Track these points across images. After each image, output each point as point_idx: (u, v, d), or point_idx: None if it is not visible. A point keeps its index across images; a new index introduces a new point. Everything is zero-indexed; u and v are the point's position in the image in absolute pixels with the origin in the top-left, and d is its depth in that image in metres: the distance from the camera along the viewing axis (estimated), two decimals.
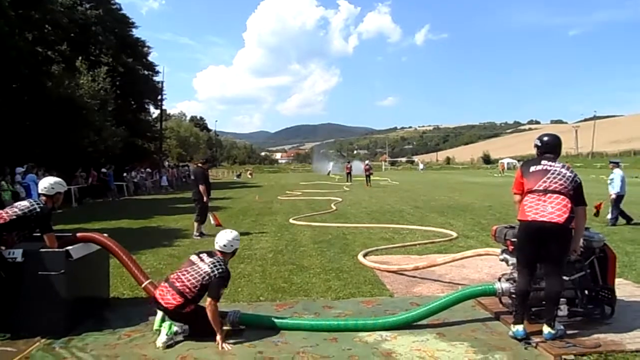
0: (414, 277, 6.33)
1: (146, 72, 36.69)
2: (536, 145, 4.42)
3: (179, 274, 4.25)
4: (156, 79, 38.40)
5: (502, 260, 4.86)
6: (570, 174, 4.10)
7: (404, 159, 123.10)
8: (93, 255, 4.90)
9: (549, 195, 3.99)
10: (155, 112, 42.69)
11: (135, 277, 4.95)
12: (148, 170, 31.27)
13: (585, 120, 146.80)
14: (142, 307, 5.10)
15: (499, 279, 4.67)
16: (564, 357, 3.65)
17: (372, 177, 32.86)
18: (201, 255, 4.40)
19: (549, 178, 4.06)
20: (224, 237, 4.47)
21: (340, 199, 19.67)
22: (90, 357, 3.85)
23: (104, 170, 23.85)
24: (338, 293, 5.70)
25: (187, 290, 4.13)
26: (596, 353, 3.71)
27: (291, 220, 12.44)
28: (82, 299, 4.64)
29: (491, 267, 6.53)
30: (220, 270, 4.21)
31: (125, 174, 26.74)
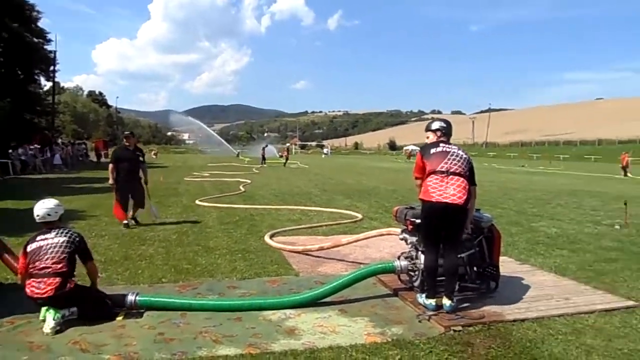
0: (320, 257, 6.46)
1: (35, 40, 33.22)
2: (434, 130, 4.67)
3: (38, 264, 3.99)
4: (48, 48, 35.03)
5: (402, 239, 5.11)
6: (465, 155, 4.42)
7: (314, 143, 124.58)
8: None
9: (450, 177, 4.25)
10: (47, 85, 39.24)
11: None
12: (37, 147, 28.65)
13: (482, 112, 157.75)
14: None
15: (399, 257, 4.91)
16: (453, 328, 3.93)
17: (281, 160, 34.52)
18: (40, 237, 4.15)
19: (449, 160, 4.32)
20: (46, 207, 4.29)
21: (249, 181, 19.50)
22: None
23: None
24: (243, 273, 5.67)
25: (58, 267, 3.96)
26: (481, 324, 4.04)
27: (197, 202, 12.12)
28: None
29: (392, 246, 6.84)
30: (74, 234, 4.23)
31: (10, 151, 24.35)
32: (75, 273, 4.15)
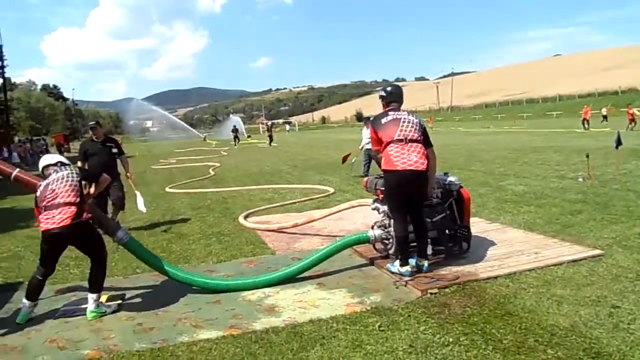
0: (295, 233, 6.47)
1: None
2: (381, 96, 4.66)
3: (50, 197, 3.89)
4: None
5: (373, 209, 5.16)
6: (416, 119, 4.45)
7: (281, 121, 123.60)
8: None
9: (409, 144, 4.27)
10: None
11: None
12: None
13: (445, 76, 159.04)
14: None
15: (372, 227, 4.96)
16: (429, 291, 4.02)
17: (250, 140, 33.75)
18: (43, 181, 4.12)
19: (403, 127, 4.33)
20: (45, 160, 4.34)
21: (218, 164, 19.30)
22: None
23: None
24: (219, 256, 5.65)
25: (71, 195, 3.90)
26: (456, 284, 4.14)
27: (167, 189, 11.95)
28: None
29: (365, 217, 6.89)
30: (70, 167, 4.22)
31: None
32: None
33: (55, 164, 4.21)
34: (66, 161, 4.34)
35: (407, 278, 4.29)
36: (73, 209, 3.83)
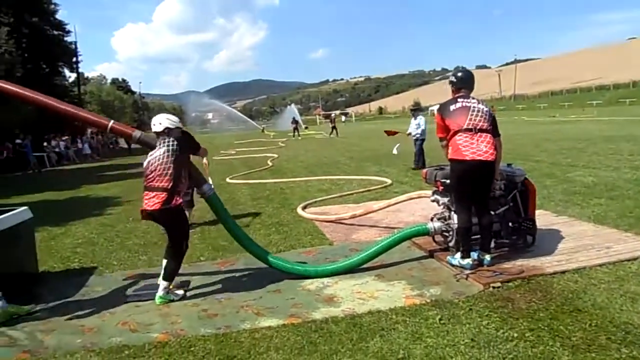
0: (352, 224, 6.48)
1: (55, 33, 33.60)
2: (451, 82, 4.53)
3: (149, 177, 4.12)
4: (68, 39, 35.24)
5: (433, 201, 5.06)
6: (486, 108, 4.30)
7: (338, 112, 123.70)
8: (15, 229, 4.58)
9: (479, 134, 4.15)
10: (71, 76, 39.78)
11: (95, 123, 4.84)
12: (68, 138, 29.36)
13: (507, 64, 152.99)
14: (76, 278, 4.97)
15: (432, 219, 4.88)
16: (492, 285, 3.92)
17: (307, 131, 33.55)
18: (151, 151, 4.26)
19: (473, 115, 4.20)
20: (154, 118, 4.41)
21: (276, 155, 19.59)
22: (23, 334, 3.69)
23: (18, 141, 22.23)
24: (279, 246, 5.75)
25: (163, 181, 4.04)
26: (520, 279, 4.00)
27: (228, 180, 12.27)
28: (7, 275, 4.37)
29: (424, 209, 6.79)
30: (170, 141, 4.14)
31: (45, 144, 25.07)
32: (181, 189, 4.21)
33: (162, 132, 4.28)
34: (172, 124, 4.30)
35: (468, 271, 4.20)
36: (164, 195, 4.02)
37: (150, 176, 4.10)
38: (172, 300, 4.16)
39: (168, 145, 4.11)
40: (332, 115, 37.77)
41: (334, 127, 34.48)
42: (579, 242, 4.85)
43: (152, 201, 4.05)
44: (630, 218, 5.68)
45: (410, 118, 13.70)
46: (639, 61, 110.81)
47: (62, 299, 4.38)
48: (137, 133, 4.60)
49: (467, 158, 4.11)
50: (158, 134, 4.29)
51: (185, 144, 4.27)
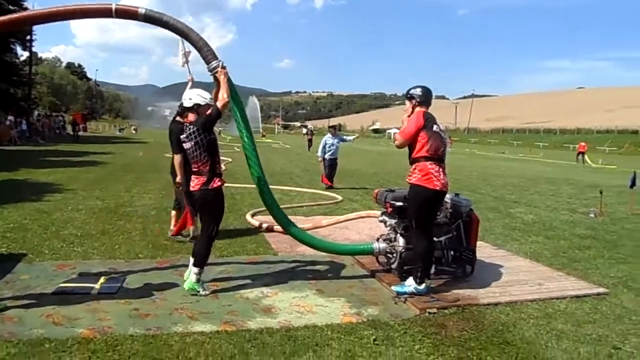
0: None
1: (10, 7, 32.07)
2: (412, 96, 4.44)
3: (192, 163, 4.25)
4: None
5: (381, 221, 5.12)
6: (445, 136, 4.43)
7: (297, 124, 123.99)
8: None
9: (443, 164, 4.29)
10: (23, 55, 38.08)
11: (98, 11, 4.38)
12: (11, 118, 27.74)
13: (465, 97, 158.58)
14: (1, 263, 4.69)
15: (377, 240, 4.94)
16: (428, 310, 3.98)
17: (264, 139, 32.88)
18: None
19: (443, 144, 4.31)
20: (185, 94, 4.39)
21: (230, 159, 19.33)
22: None
23: None
24: (222, 251, 5.65)
25: (199, 166, 4.17)
26: (455, 306, 4.09)
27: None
28: None
29: (371, 229, 6.86)
30: (189, 127, 4.16)
31: None
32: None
33: (191, 108, 4.26)
34: (202, 100, 4.28)
35: (406, 295, 4.25)
36: (203, 178, 4.15)
37: (193, 161, 4.21)
38: (198, 294, 4.10)
39: (195, 138, 4.10)
40: (310, 126, 34.91)
41: (310, 140, 32.38)
42: (514, 276, 5.03)
43: (194, 182, 4.21)
44: (563, 258, 5.96)
45: (326, 134, 13.37)
46: (585, 110, 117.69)
47: None
48: (142, 9, 4.32)
49: (437, 188, 4.18)
50: (187, 109, 4.29)
51: (206, 122, 4.19)
